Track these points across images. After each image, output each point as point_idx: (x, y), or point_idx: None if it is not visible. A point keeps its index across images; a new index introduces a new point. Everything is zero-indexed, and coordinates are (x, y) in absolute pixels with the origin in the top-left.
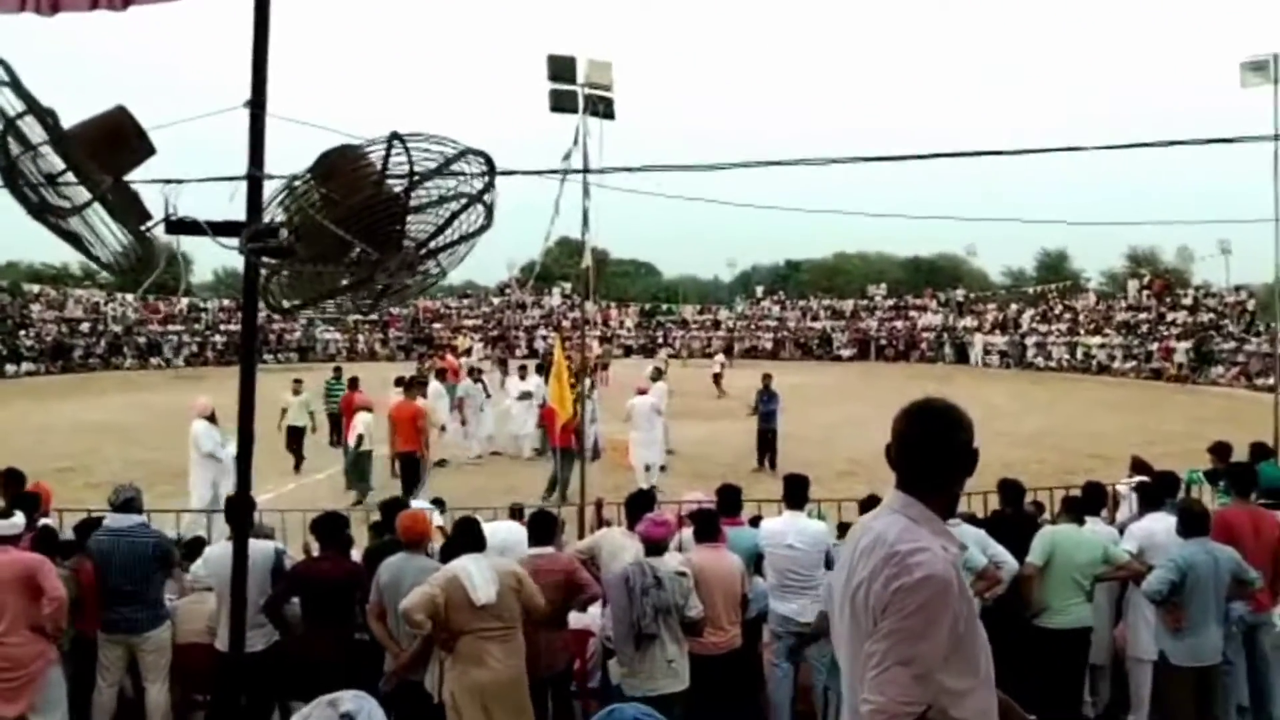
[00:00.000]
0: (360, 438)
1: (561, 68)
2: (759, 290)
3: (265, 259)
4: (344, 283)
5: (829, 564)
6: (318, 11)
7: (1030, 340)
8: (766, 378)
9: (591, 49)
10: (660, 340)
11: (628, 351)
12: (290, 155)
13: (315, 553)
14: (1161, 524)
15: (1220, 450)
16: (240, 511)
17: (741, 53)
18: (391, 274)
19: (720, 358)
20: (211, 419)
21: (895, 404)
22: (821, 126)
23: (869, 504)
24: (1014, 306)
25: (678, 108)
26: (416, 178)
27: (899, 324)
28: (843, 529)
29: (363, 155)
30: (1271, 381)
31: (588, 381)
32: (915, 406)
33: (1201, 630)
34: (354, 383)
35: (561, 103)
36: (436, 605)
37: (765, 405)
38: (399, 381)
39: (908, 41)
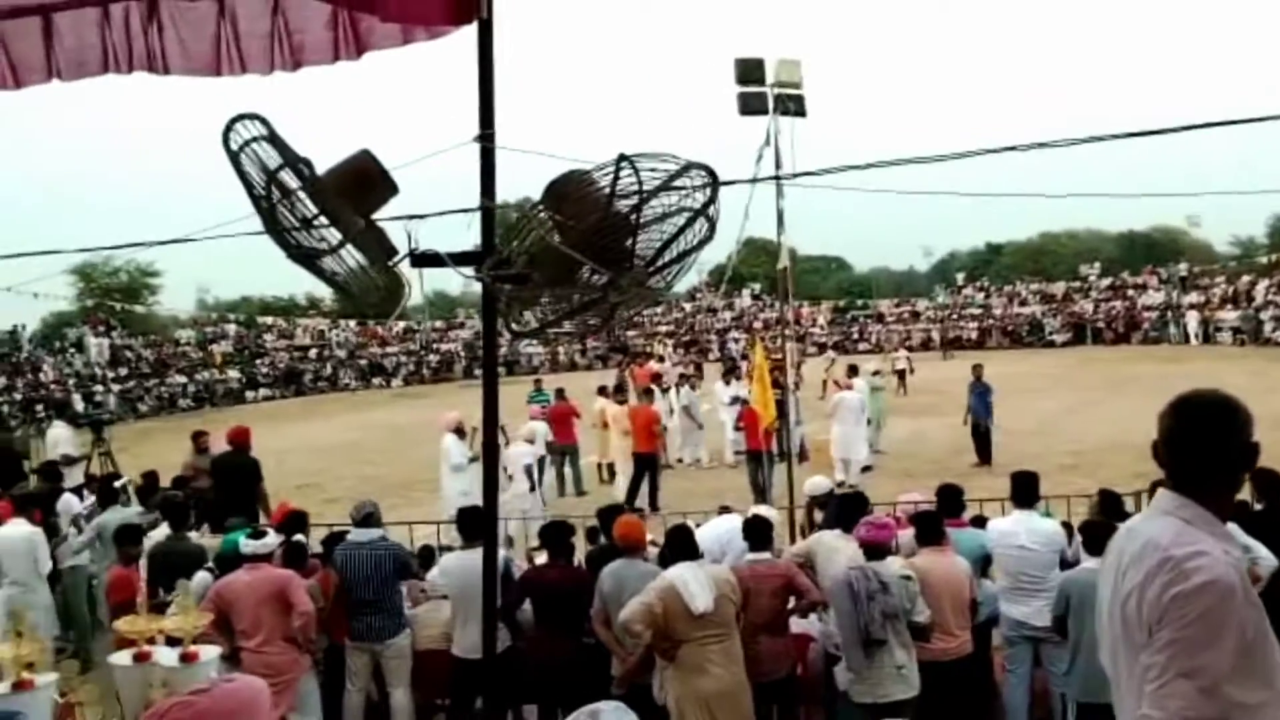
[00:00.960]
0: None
1: (749, 70)
2: (959, 277)
3: (505, 285)
4: (578, 303)
5: (1063, 564)
6: (511, 41)
7: (1267, 314)
8: (977, 369)
9: (779, 48)
10: (857, 336)
11: (821, 349)
12: (511, 183)
13: (540, 560)
14: None
15: None
16: (485, 521)
17: (933, 40)
18: (623, 292)
19: (830, 354)
20: (459, 432)
21: (1117, 390)
22: (1018, 107)
23: (1108, 502)
24: (1245, 278)
25: (869, 99)
26: (644, 196)
27: (1117, 304)
28: (1069, 527)
29: (590, 179)
30: None
31: (790, 383)
32: (1184, 399)
33: None
34: (560, 393)
35: (751, 105)
36: (655, 616)
37: (979, 398)
38: (602, 390)
39: (1106, 14)
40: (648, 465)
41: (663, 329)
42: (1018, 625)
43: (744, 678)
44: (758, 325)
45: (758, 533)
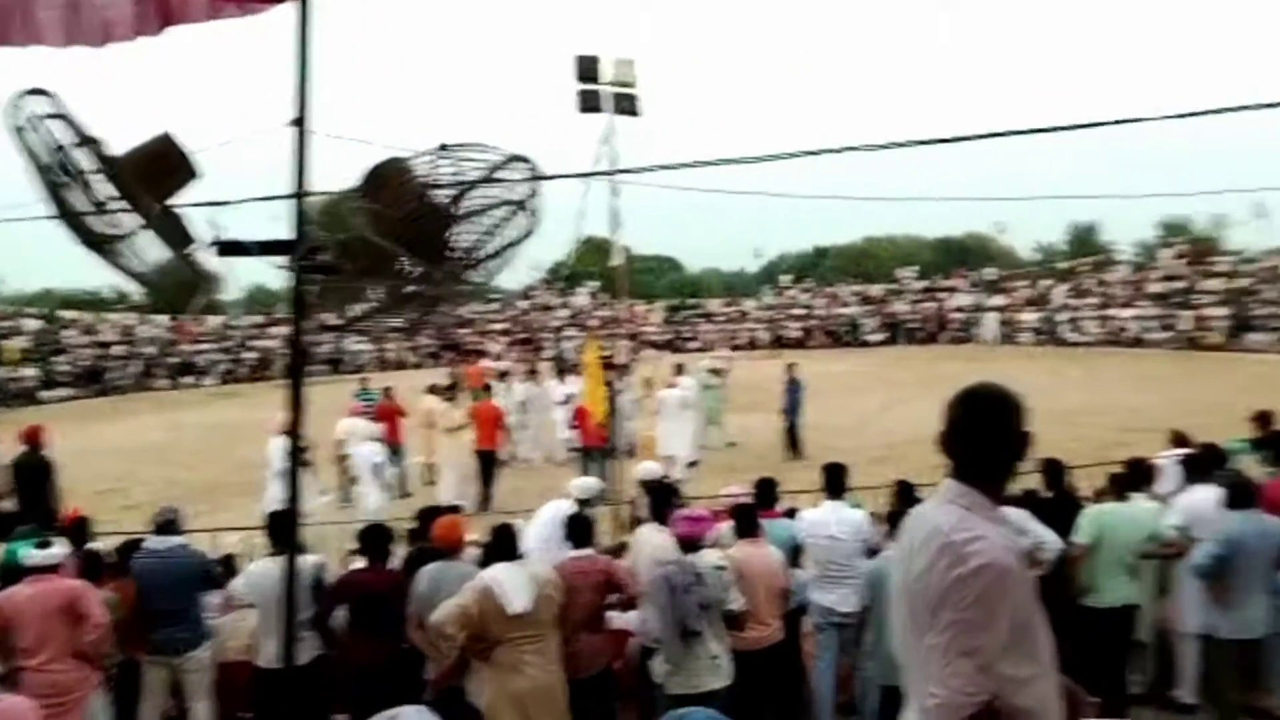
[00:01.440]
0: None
1: (587, 67)
2: (786, 279)
3: (314, 276)
4: (395, 296)
5: (870, 553)
6: (345, 26)
7: (1064, 316)
8: (790, 367)
9: (616, 48)
10: (688, 335)
11: (654, 348)
12: (334, 172)
13: (357, 564)
14: (1207, 496)
15: (1262, 419)
16: (288, 527)
17: (764, 43)
18: (440, 284)
19: (651, 351)
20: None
21: (926, 387)
22: (846, 113)
23: (902, 492)
24: (1045, 283)
25: (701, 101)
26: (463, 187)
27: (928, 306)
28: (879, 516)
29: (409, 168)
30: None
31: (622, 380)
32: (965, 393)
33: (1249, 603)
34: (387, 392)
35: (589, 103)
36: (469, 617)
37: (790, 396)
38: (431, 388)
39: (933, 22)
40: (490, 463)
41: (496, 326)
42: (826, 612)
43: (560, 676)
44: (594, 323)
45: (579, 530)
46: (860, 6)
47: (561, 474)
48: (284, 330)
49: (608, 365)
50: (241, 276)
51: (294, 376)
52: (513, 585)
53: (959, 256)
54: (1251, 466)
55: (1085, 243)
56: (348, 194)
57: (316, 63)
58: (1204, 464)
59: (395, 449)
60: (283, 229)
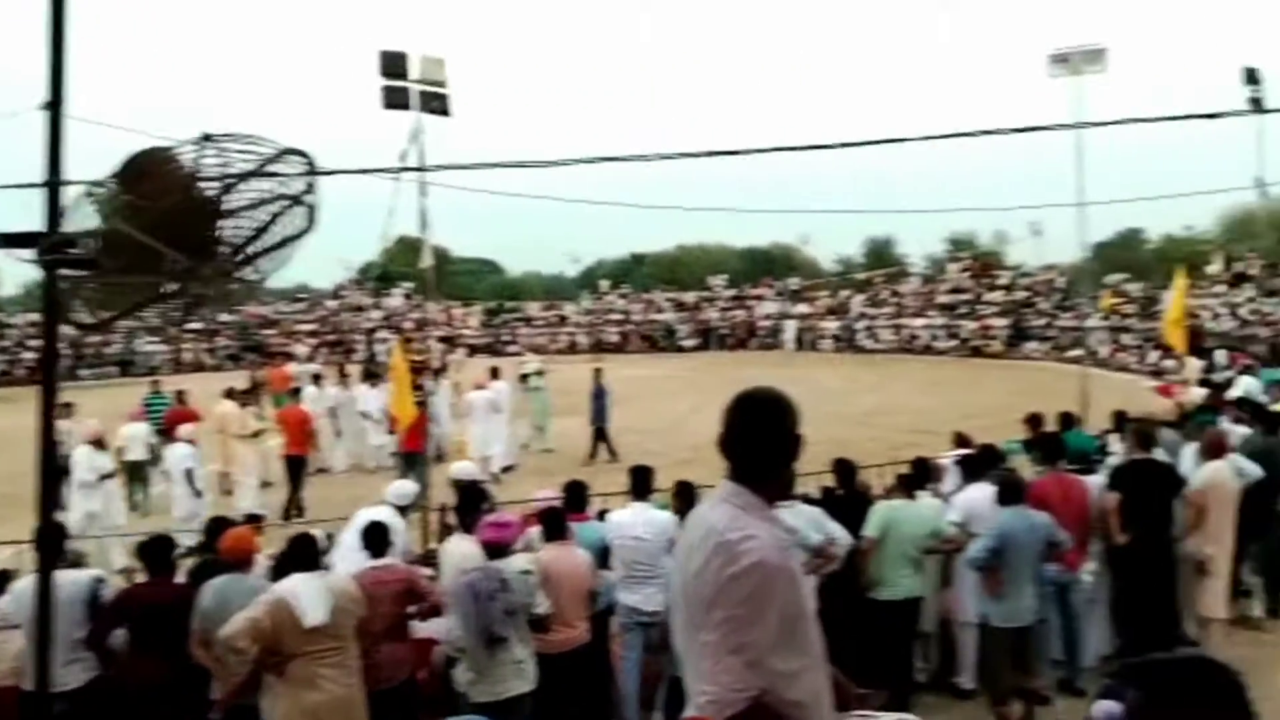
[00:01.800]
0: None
1: (393, 63)
2: (604, 284)
3: (66, 271)
4: (156, 293)
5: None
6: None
7: (861, 325)
8: (597, 372)
9: (425, 46)
10: (508, 338)
11: (473, 351)
12: (95, 160)
13: (141, 578)
14: (982, 494)
15: (1033, 421)
16: (48, 540)
17: (581, 51)
18: (207, 281)
19: (459, 354)
20: (98, 444)
21: (733, 391)
22: (660, 121)
23: (681, 493)
24: (844, 293)
25: (515, 106)
26: (230, 180)
27: (738, 313)
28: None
29: (172, 158)
30: (1079, 354)
31: (435, 383)
32: (740, 397)
33: (1019, 593)
34: (180, 396)
35: (395, 99)
36: (262, 630)
37: (597, 401)
38: (229, 393)
39: (741, 33)
40: (299, 468)
41: (304, 327)
42: (631, 612)
43: (359, 689)
44: (408, 325)
45: (375, 539)
46: (685, 10)
47: (374, 481)
48: (68, 330)
49: (419, 368)
50: (19, 273)
51: (46, 376)
52: (309, 597)
53: (765, 266)
54: (1026, 466)
55: (881, 256)
56: (102, 182)
57: (75, 40)
58: (980, 464)
59: None
60: (35, 220)
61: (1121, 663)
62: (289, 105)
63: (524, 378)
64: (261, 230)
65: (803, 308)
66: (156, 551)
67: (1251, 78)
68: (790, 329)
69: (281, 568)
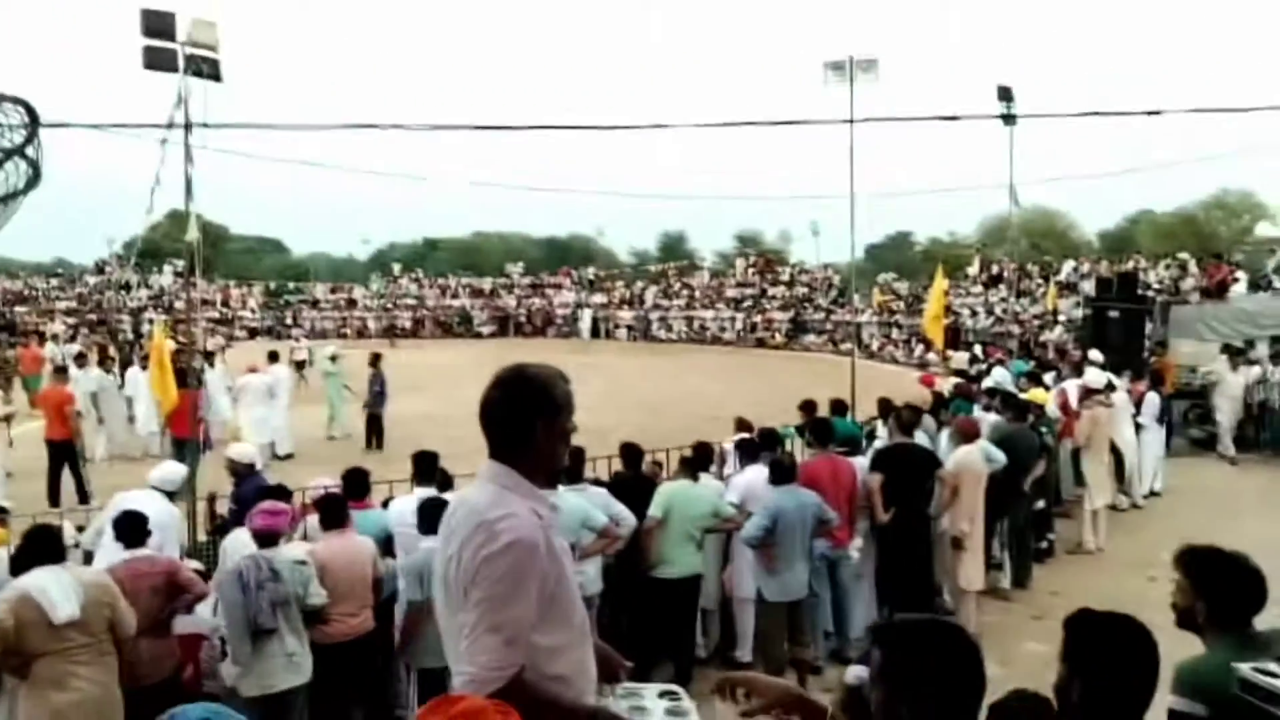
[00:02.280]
0: None
1: (157, 22)
2: (396, 268)
3: None
4: None
5: None
6: None
7: (654, 315)
8: (375, 358)
9: (192, 7)
10: (290, 321)
11: (252, 334)
12: None
13: None
14: (758, 475)
15: (807, 407)
16: None
17: (365, 17)
18: None
19: (220, 338)
20: None
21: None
22: (454, 96)
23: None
24: (639, 284)
25: (294, 78)
26: None
27: (536, 301)
28: None
29: None
30: (852, 346)
31: (208, 366)
32: (499, 374)
33: (791, 568)
34: None
35: (157, 61)
36: (3, 629)
37: (374, 388)
38: None
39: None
40: (65, 454)
41: (61, 305)
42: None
43: (114, 687)
44: (179, 305)
45: (129, 529)
46: None
47: (139, 469)
48: None
49: (183, 350)
50: None
51: None
52: (58, 591)
53: (563, 256)
54: (802, 449)
55: (674, 249)
56: None
57: None
58: (757, 447)
59: None
60: None
61: (868, 626)
62: (35, 62)
63: (302, 363)
64: None
65: (599, 298)
66: None
67: (1004, 94)
68: (586, 318)
69: (19, 562)
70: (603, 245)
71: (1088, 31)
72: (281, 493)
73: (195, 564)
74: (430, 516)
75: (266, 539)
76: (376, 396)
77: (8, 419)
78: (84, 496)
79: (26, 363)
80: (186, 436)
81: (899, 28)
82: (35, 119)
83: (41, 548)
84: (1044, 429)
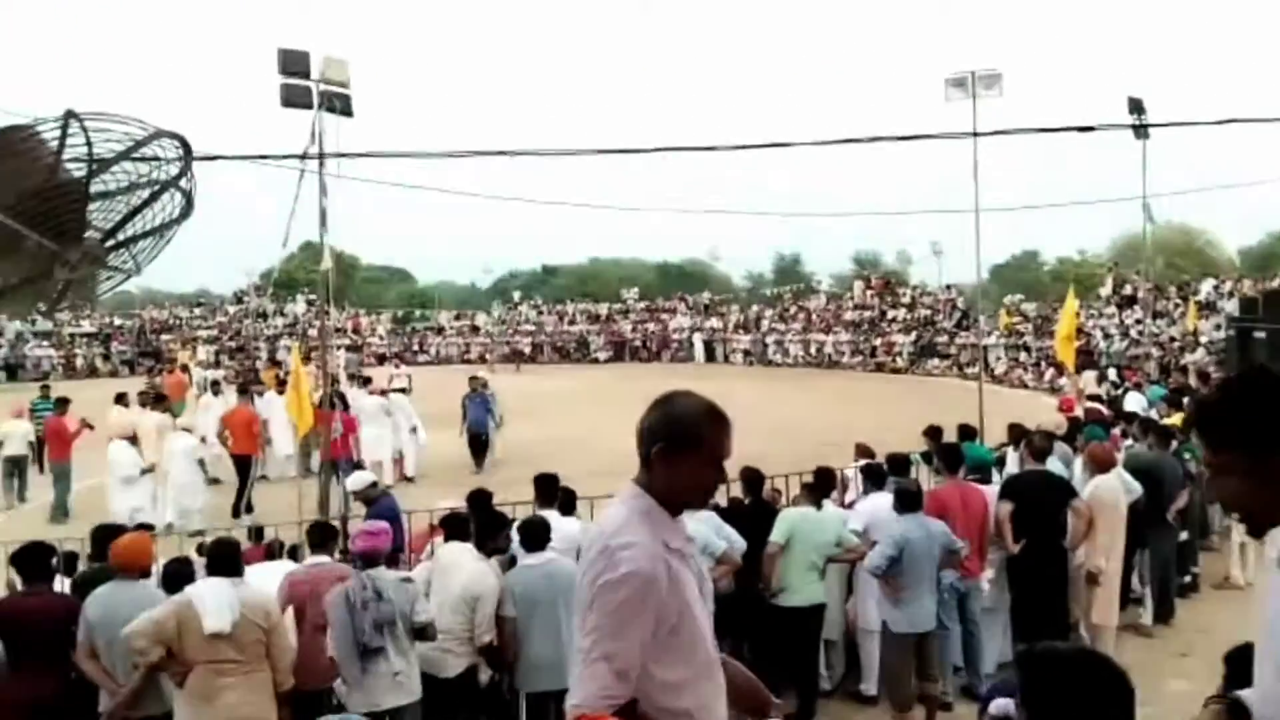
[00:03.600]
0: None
1: (294, 62)
2: (516, 295)
3: None
4: (21, 277)
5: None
6: None
7: (770, 339)
8: (472, 381)
9: (327, 45)
10: (417, 347)
11: (380, 360)
12: None
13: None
14: (883, 502)
15: (933, 433)
16: None
17: (492, 52)
18: (74, 267)
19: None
20: (132, 440)
21: (647, 402)
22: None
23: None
24: (755, 308)
25: (424, 111)
26: (98, 162)
27: (651, 326)
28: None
29: (33, 136)
30: (977, 370)
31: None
32: (660, 399)
33: (918, 599)
34: (61, 403)
35: (294, 98)
36: (165, 632)
37: (473, 408)
38: (119, 398)
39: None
40: (245, 469)
41: (203, 333)
42: None
43: (266, 707)
44: (312, 333)
45: (323, 536)
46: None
47: (273, 491)
48: None
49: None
50: None
51: None
52: (214, 602)
53: (678, 280)
54: (926, 477)
55: (789, 272)
56: None
57: None
58: (881, 473)
59: (59, 469)
60: None
61: (1016, 653)
62: (181, 99)
63: (402, 390)
64: (133, 215)
65: (714, 322)
66: (33, 559)
67: (1136, 107)
68: (699, 342)
69: (169, 577)
70: (718, 270)
71: (1222, 37)
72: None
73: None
74: (531, 536)
75: (369, 559)
76: (479, 419)
77: (132, 438)
78: (236, 511)
79: (171, 388)
80: (337, 457)
81: (1021, 40)
82: (189, 152)
83: (218, 559)
84: (1188, 456)
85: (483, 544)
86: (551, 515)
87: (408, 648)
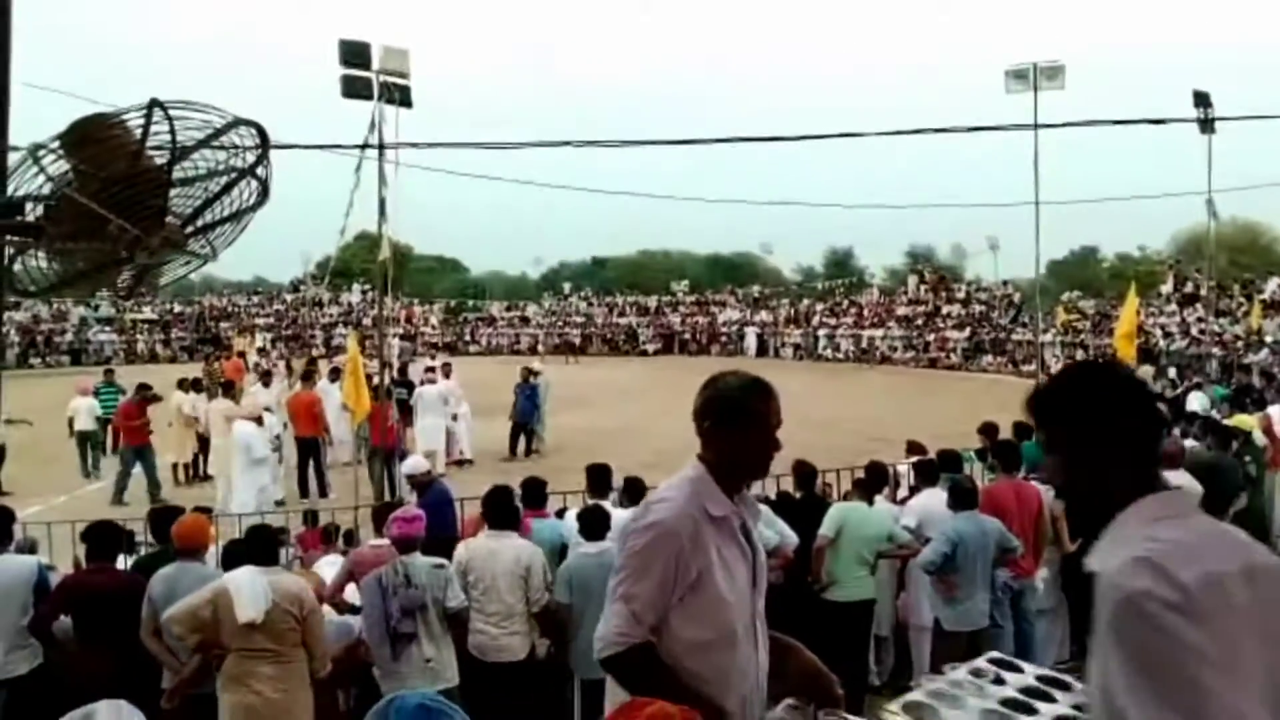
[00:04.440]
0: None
1: (354, 53)
2: (566, 287)
3: (13, 237)
4: (102, 262)
5: None
6: None
7: (821, 333)
8: (524, 371)
9: (386, 35)
10: (469, 337)
11: (434, 350)
12: (40, 127)
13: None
14: (936, 499)
15: (988, 430)
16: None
17: (545, 41)
18: (153, 252)
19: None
20: (259, 421)
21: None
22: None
23: (629, 489)
24: (805, 302)
25: (480, 102)
26: (180, 149)
27: (701, 319)
28: None
29: (119, 123)
30: (1034, 368)
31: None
32: (710, 379)
33: (971, 597)
34: (143, 389)
35: (354, 89)
36: (202, 619)
37: (526, 399)
38: (181, 383)
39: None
40: (311, 450)
41: (260, 320)
42: None
43: (301, 694)
44: (366, 321)
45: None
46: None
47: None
48: (17, 315)
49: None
50: None
51: None
52: (250, 590)
53: (728, 273)
54: (979, 474)
55: (841, 266)
56: (45, 145)
57: (21, 5)
58: (935, 469)
59: (140, 451)
60: None
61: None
62: (244, 87)
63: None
64: (211, 201)
65: (764, 315)
66: (101, 537)
67: (1201, 100)
68: (751, 336)
69: (231, 557)
70: (769, 263)
71: None
72: None
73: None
74: (590, 524)
75: (404, 545)
76: (525, 408)
77: (259, 419)
78: (323, 490)
79: (230, 372)
80: (387, 445)
81: (1081, 32)
82: (266, 140)
83: (254, 547)
84: (1248, 458)
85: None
86: (604, 505)
87: (440, 634)
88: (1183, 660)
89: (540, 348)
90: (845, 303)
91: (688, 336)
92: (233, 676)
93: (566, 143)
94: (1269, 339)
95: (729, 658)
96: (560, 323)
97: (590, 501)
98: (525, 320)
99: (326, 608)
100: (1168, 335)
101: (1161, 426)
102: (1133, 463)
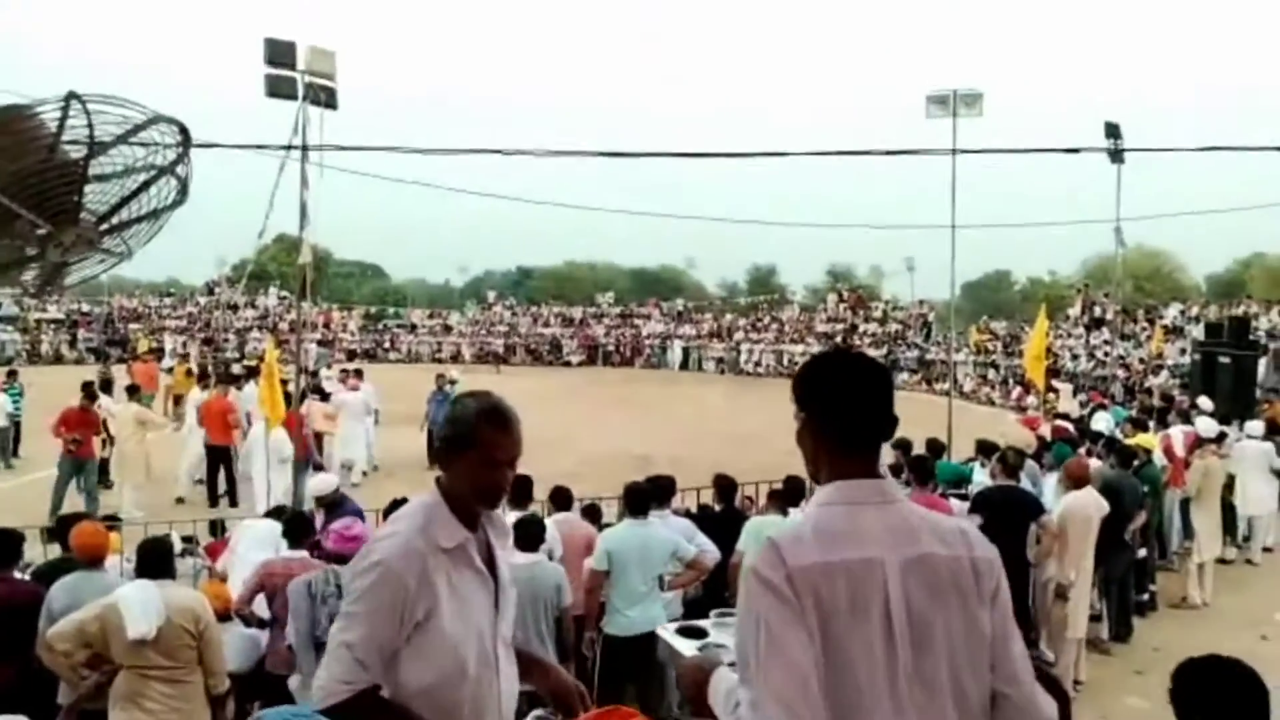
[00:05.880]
0: None
1: (280, 52)
2: (490, 295)
3: None
4: (12, 258)
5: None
6: None
7: (743, 347)
8: (439, 378)
9: (312, 35)
10: (388, 344)
11: (351, 356)
12: None
13: None
14: None
15: (902, 445)
16: None
17: (478, 43)
18: (66, 249)
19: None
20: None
21: (621, 406)
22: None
23: (555, 498)
24: (728, 316)
25: (405, 104)
26: (97, 144)
27: (625, 331)
28: None
29: (33, 115)
30: (947, 385)
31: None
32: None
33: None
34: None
35: (279, 88)
36: (89, 635)
37: (436, 406)
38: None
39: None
40: (221, 458)
41: (172, 323)
42: None
43: (197, 712)
44: (283, 326)
45: (298, 527)
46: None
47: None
48: None
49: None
50: None
51: None
52: (140, 608)
53: (653, 286)
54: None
55: (763, 283)
56: None
57: None
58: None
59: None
60: None
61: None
62: (166, 82)
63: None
64: (129, 199)
65: (688, 329)
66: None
67: (1112, 131)
68: (677, 349)
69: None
70: (692, 277)
71: (1199, 65)
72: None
73: None
74: (524, 536)
75: (340, 558)
76: (439, 417)
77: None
78: (234, 500)
79: (143, 380)
80: (299, 458)
81: (999, 62)
82: (188, 138)
83: (147, 560)
84: (1148, 476)
85: None
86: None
87: None
88: (759, 631)
89: (464, 357)
90: (767, 318)
91: (612, 348)
92: (124, 695)
93: (497, 150)
94: (1169, 363)
95: (461, 694)
96: (484, 332)
97: (511, 513)
98: (448, 329)
99: (234, 621)
100: (1075, 357)
101: (867, 416)
102: (829, 448)
